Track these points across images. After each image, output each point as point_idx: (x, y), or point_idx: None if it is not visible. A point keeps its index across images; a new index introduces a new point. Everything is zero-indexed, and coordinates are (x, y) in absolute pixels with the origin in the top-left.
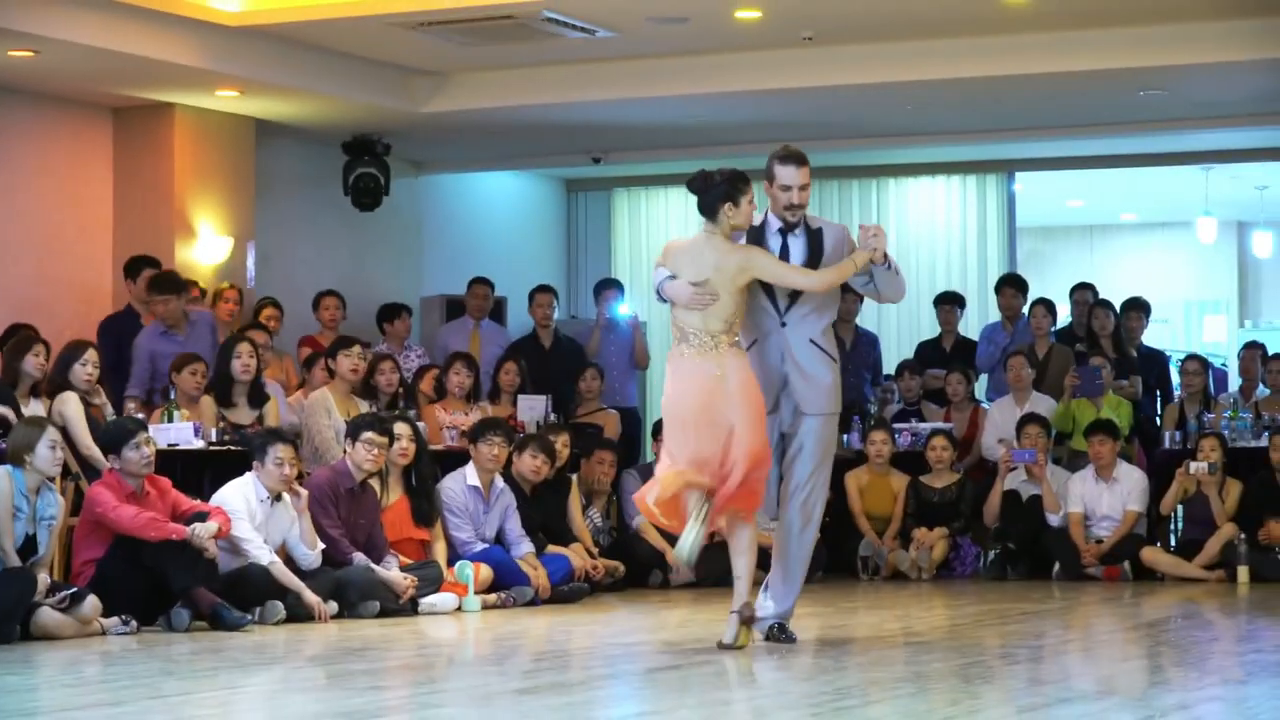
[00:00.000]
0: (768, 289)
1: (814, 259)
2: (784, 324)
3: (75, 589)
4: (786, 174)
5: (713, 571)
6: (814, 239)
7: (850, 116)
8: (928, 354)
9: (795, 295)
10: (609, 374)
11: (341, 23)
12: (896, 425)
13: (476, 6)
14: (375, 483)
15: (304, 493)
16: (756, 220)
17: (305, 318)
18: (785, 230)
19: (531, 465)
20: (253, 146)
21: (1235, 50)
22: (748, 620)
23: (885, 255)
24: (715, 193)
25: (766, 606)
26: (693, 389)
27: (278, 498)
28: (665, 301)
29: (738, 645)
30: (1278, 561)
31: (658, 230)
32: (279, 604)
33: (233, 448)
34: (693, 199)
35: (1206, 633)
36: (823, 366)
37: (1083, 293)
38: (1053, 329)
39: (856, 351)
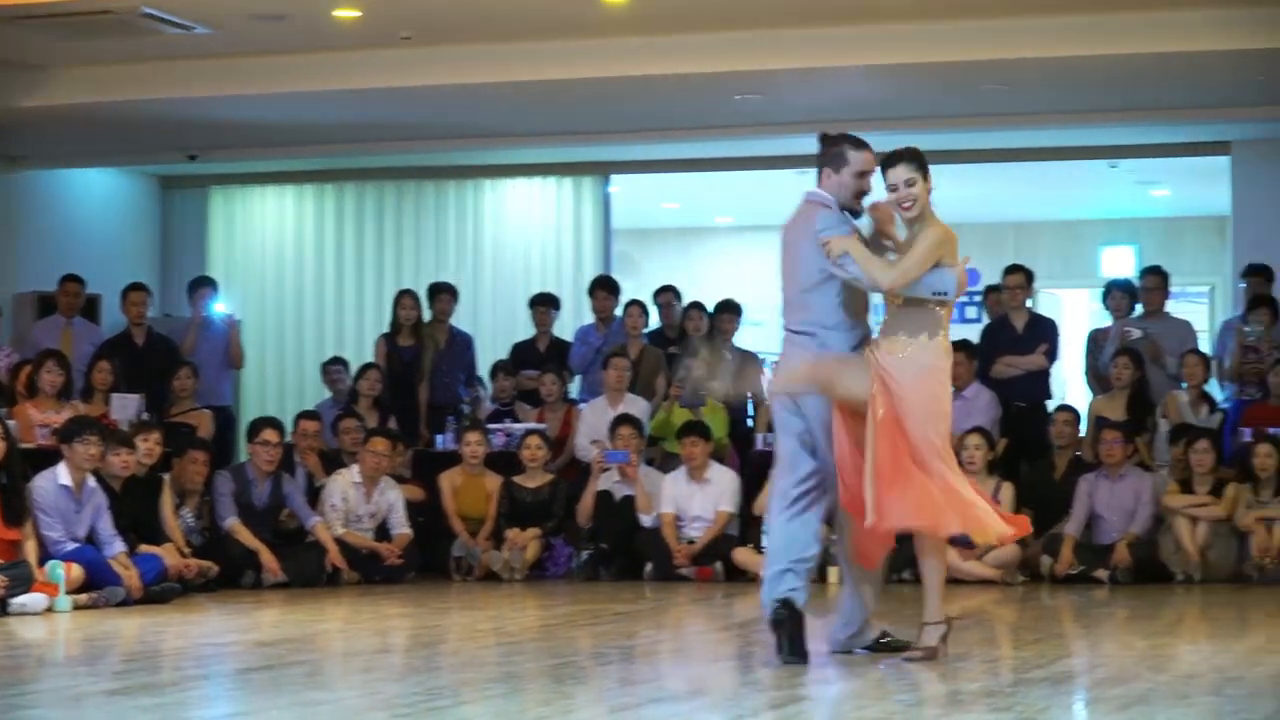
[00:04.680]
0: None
1: None
2: None
3: None
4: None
5: (303, 572)
6: None
7: (448, 117)
8: (522, 355)
9: None
10: (203, 373)
11: None
12: (491, 426)
13: (75, 1)
14: None
15: None
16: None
17: None
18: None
19: (118, 462)
20: None
21: (831, 55)
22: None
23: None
24: None
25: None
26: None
27: None
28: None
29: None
30: None
31: (254, 229)
32: None
33: None
34: (285, 198)
35: None
36: None
37: (667, 295)
38: (645, 330)
39: (451, 351)
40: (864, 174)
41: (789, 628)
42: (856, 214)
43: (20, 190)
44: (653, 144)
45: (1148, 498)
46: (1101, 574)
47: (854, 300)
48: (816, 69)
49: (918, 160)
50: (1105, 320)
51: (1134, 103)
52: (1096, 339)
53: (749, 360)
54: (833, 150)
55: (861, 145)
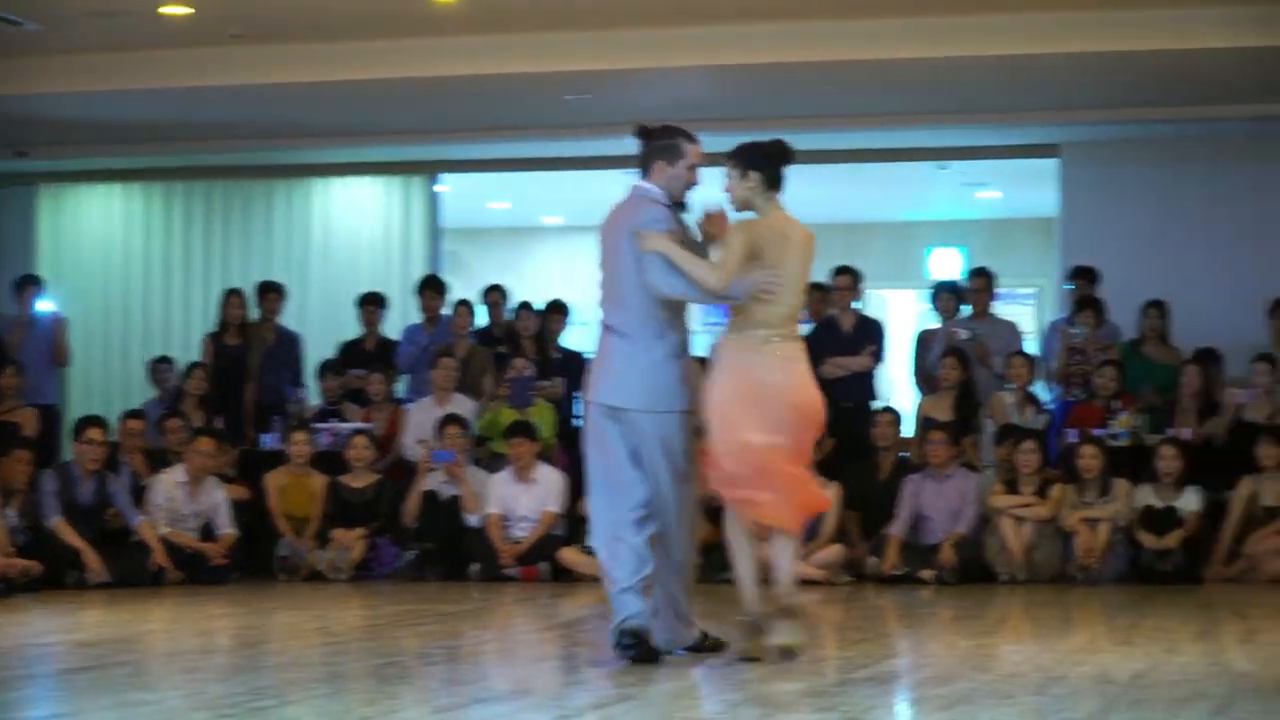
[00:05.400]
0: None
1: None
2: None
3: None
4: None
5: (127, 572)
6: None
7: (277, 115)
8: (350, 354)
9: None
10: (29, 371)
11: None
12: (317, 425)
13: None
14: None
15: None
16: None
17: None
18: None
19: None
20: None
21: (662, 56)
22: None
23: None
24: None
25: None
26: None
27: None
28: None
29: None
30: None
31: (85, 227)
32: None
33: None
34: (114, 197)
35: None
36: None
37: (494, 294)
38: (472, 330)
39: (278, 350)
40: (696, 167)
41: (641, 653)
42: (684, 208)
43: None
44: (482, 143)
45: (973, 498)
46: (927, 574)
47: (672, 302)
48: (647, 69)
49: (739, 156)
50: (933, 321)
51: (963, 105)
52: (924, 340)
53: None
54: (668, 142)
55: (693, 138)
